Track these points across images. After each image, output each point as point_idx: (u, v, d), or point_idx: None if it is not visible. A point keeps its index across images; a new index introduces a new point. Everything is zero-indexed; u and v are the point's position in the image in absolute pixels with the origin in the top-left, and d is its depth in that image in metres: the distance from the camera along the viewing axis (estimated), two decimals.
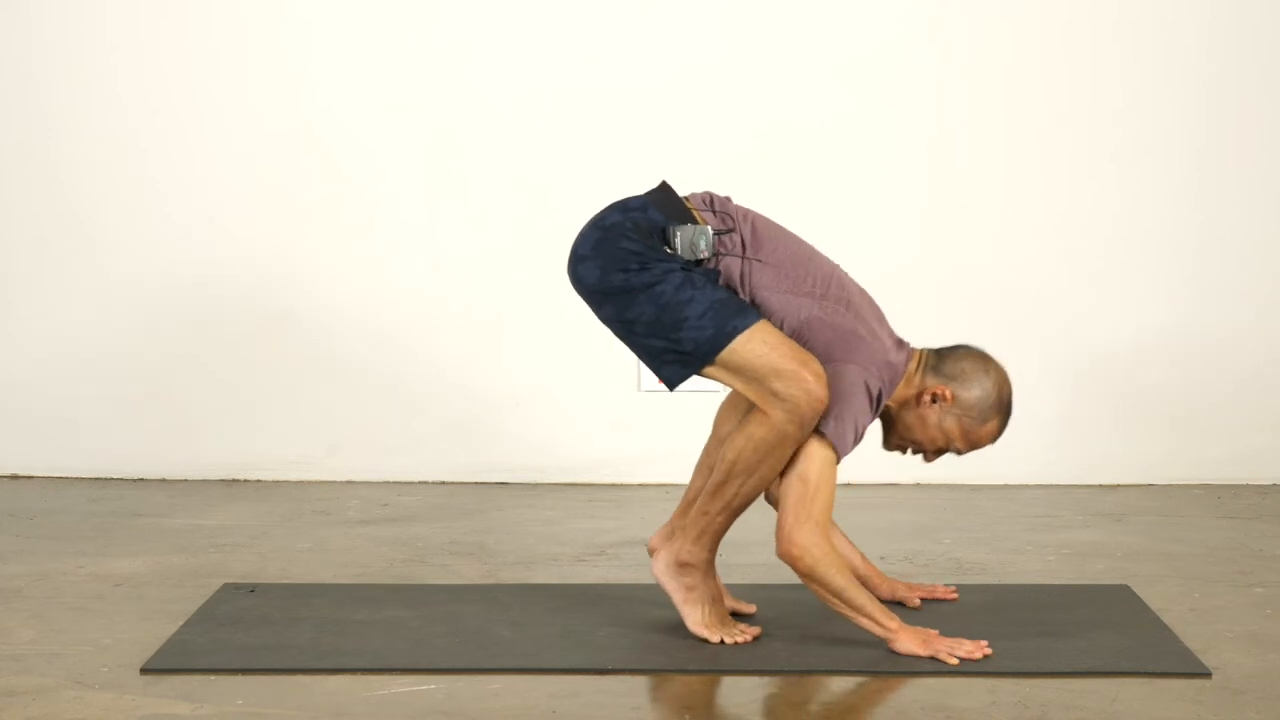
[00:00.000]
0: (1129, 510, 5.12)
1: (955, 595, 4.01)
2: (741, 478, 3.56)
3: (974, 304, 5.32)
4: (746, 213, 3.67)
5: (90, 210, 5.46)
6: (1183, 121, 5.39)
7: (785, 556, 3.52)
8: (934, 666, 3.49)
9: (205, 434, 5.51)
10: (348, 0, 5.41)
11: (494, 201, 5.46)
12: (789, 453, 3.53)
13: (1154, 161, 5.41)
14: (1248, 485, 5.44)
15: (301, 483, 5.47)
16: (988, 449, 3.88)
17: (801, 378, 3.48)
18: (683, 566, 3.69)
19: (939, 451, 3.71)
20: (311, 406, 5.49)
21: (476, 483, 5.49)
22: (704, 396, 5.40)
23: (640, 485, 5.46)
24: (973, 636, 3.60)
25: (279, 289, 5.45)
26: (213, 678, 3.45)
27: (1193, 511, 5.11)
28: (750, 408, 3.57)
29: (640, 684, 3.44)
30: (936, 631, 3.60)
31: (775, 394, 3.48)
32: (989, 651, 3.54)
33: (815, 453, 3.52)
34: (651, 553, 3.76)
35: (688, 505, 3.80)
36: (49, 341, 5.49)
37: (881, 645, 3.57)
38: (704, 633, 3.66)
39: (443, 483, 5.49)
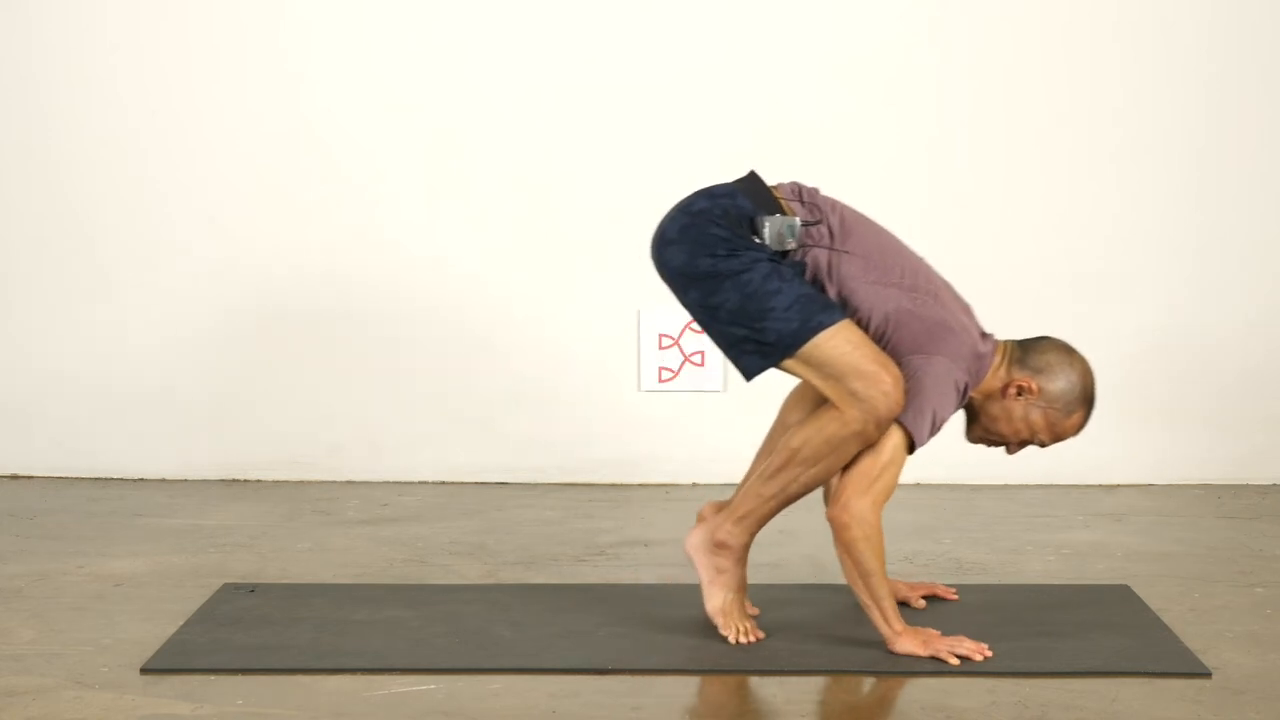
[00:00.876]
0: (1129, 510, 5.11)
1: (955, 595, 4.01)
2: (802, 466, 3.56)
3: (974, 304, 5.30)
4: (835, 204, 3.66)
5: (90, 210, 5.46)
6: (1183, 121, 5.39)
7: (834, 521, 3.50)
8: (934, 666, 3.49)
9: (205, 434, 5.50)
10: (348, 0, 5.40)
11: (494, 201, 5.45)
12: (855, 451, 3.52)
13: (1154, 161, 5.40)
14: (1248, 485, 5.44)
15: (301, 483, 5.46)
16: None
17: (881, 380, 3.48)
18: (719, 547, 3.69)
19: (1023, 444, 3.70)
20: (311, 406, 5.49)
21: (476, 483, 5.49)
22: (704, 397, 5.42)
23: (640, 485, 5.46)
24: (973, 636, 3.60)
25: (279, 289, 5.45)
26: (213, 678, 3.45)
27: (1193, 511, 5.10)
28: (822, 401, 3.57)
29: (640, 684, 3.44)
30: (938, 632, 3.60)
31: (854, 393, 3.48)
32: (989, 653, 3.54)
33: (892, 434, 3.52)
34: (699, 520, 3.75)
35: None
36: (48, 341, 5.49)
37: (882, 645, 3.58)
38: (720, 620, 3.66)
39: (443, 483, 5.49)
